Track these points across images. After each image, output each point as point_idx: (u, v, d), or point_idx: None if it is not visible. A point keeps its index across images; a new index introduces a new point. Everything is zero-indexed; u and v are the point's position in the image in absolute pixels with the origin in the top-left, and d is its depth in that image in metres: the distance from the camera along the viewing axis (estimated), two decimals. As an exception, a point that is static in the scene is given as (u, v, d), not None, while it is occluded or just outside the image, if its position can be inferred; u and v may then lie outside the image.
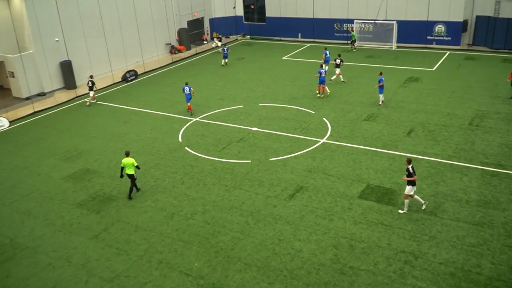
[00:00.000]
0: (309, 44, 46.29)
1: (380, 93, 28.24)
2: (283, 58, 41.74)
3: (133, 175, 19.44)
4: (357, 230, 16.54)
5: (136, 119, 28.91)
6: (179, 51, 46.01)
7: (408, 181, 16.98)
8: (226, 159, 22.58)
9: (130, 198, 19.54)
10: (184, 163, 22.57)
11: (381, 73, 28.50)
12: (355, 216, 17.37)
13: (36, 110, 31.72)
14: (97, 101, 32.92)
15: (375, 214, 17.40)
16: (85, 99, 33.16)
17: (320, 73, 30.21)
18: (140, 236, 17.11)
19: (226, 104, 30.37)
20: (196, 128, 26.78)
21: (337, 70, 33.14)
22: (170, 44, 45.64)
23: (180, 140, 25.28)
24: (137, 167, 19.44)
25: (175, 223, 17.77)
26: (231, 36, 52.10)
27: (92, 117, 29.78)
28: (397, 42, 42.52)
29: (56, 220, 18.61)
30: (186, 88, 28.78)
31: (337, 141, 23.77)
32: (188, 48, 47.06)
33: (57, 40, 35.15)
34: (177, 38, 46.67)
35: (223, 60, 40.93)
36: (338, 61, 33.11)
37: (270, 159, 22.25)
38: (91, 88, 32.12)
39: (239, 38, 51.58)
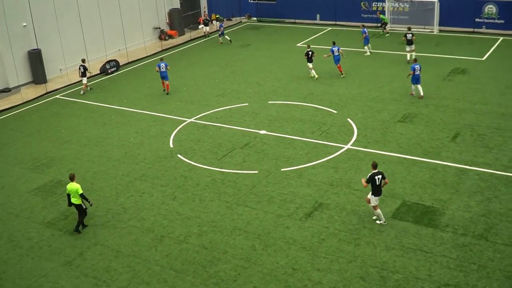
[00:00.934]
0: (330, 28, 46.33)
1: (414, 84, 28.76)
2: (298, 45, 41.80)
3: (80, 205, 18.72)
4: (389, 258, 16.49)
5: (117, 120, 29.03)
6: (170, 36, 46.22)
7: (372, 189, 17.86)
8: (228, 169, 22.60)
9: (77, 231, 18.88)
10: (176, 174, 22.61)
11: (415, 60, 29.06)
12: (387, 241, 17.32)
13: (-2, 109, 32.03)
14: (90, 88, 34.06)
15: (412, 238, 17.34)
16: (80, 87, 34.32)
17: (333, 52, 32.86)
18: (122, 263, 17.14)
19: (227, 102, 30.44)
20: (191, 131, 26.84)
21: (410, 47, 34.44)
22: (159, 28, 45.87)
23: (171, 145, 25.34)
24: (82, 196, 18.54)
25: (165, 247, 17.78)
26: (233, 18, 52.27)
27: (64, 118, 29.95)
28: (439, 25, 42.48)
29: (23, 242, 18.72)
30: (162, 65, 31.31)
31: (365, 147, 23.75)
32: (181, 33, 47.27)
33: (25, 25, 35.40)
34: (167, 21, 46.89)
35: (220, 39, 43.28)
36: (409, 35, 34.02)
37: (282, 170, 22.25)
38: (83, 74, 33.36)
39: (243, 21, 51.73)
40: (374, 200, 17.90)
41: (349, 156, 23.01)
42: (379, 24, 44.18)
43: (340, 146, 23.96)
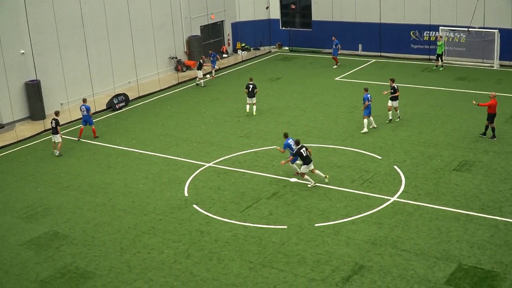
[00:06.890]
0: (374, 60, 46.53)
1: (366, 115, 31.02)
2: (336, 78, 42.01)
3: None
4: (443, 333, 16.19)
5: (124, 163, 29.30)
6: (188, 67, 46.76)
7: (302, 160, 24.41)
8: (252, 223, 22.57)
9: None
10: (191, 227, 22.63)
11: (366, 90, 31.12)
12: (440, 312, 17.03)
13: (-11, 148, 32.57)
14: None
15: (470, 310, 17.05)
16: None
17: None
18: (125, 333, 17.07)
19: (253, 144, 30.57)
20: (210, 177, 26.94)
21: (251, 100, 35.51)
22: (176, 58, 46.50)
23: (187, 194, 25.43)
24: None
25: (176, 314, 17.69)
26: (262, 48, 52.84)
27: (64, 160, 30.29)
28: (500, 59, 42.39)
29: (9, 305, 18.81)
30: (83, 108, 32.77)
31: (414, 200, 23.58)
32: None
33: (23, 53, 36.14)
34: (185, 50, 47.57)
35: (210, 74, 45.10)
36: (250, 86, 35.14)
37: (316, 225, 22.16)
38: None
39: (273, 50, 52.25)
40: (304, 168, 24.49)
41: (396, 210, 22.83)
42: (433, 56, 44.09)
43: (385, 198, 23.83)
